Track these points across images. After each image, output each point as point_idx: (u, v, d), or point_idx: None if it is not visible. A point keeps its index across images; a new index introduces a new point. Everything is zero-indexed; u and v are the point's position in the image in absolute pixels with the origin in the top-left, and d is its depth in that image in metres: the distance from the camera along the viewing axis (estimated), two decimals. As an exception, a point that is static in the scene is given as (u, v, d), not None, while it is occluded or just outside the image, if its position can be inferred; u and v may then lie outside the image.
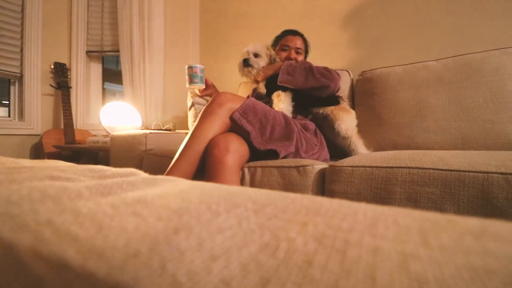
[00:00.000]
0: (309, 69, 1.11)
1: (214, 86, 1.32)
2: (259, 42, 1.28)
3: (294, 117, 1.10)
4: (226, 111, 0.85)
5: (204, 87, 1.21)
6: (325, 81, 1.09)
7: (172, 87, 2.11)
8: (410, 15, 1.47)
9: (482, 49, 1.15)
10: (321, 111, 1.14)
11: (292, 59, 1.28)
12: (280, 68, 1.14)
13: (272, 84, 1.15)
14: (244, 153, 0.85)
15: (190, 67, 1.15)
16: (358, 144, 1.11)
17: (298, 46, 1.31)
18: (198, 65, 1.16)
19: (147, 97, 2.01)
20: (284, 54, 1.30)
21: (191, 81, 1.15)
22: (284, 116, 0.97)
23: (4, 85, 2.02)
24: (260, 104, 0.91)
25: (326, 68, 1.14)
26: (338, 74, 1.15)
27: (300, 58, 1.33)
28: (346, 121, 1.10)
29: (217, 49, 2.04)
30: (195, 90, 1.27)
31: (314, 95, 1.13)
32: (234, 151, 0.80)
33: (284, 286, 0.10)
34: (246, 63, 1.18)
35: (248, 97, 0.95)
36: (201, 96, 1.36)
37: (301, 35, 1.36)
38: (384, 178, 0.70)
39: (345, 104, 1.18)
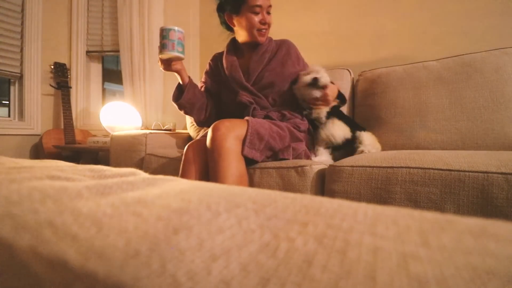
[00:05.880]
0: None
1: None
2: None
3: (283, 117, 1.06)
4: (234, 140, 0.82)
5: (184, 58, 0.96)
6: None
7: (172, 87, 2.10)
8: (410, 15, 1.47)
9: (482, 49, 1.14)
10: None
11: (266, 25, 1.06)
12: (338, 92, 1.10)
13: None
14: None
15: (180, 31, 0.91)
16: None
17: (270, 3, 1.05)
18: (182, 30, 0.92)
19: (147, 97, 2.01)
20: (256, 19, 1.03)
21: (174, 48, 0.89)
22: (289, 131, 0.96)
23: (4, 85, 2.02)
24: (262, 126, 0.88)
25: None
26: None
27: (271, 20, 1.08)
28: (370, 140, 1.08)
29: (218, 49, 2.04)
30: (169, 57, 0.94)
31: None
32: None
33: (284, 286, 0.10)
34: (315, 83, 1.00)
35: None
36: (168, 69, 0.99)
37: None
38: (384, 178, 0.70)
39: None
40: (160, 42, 0.91)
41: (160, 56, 0.94)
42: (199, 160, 0.89)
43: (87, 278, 0.11)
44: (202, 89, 1.19)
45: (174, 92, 1.09)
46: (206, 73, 1.22)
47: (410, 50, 1.47)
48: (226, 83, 1.13)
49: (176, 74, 1.03)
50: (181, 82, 1.07)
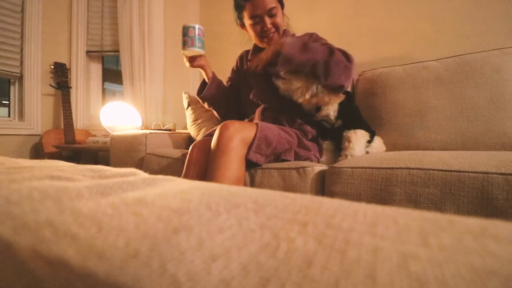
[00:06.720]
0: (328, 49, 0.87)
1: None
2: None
3: (293, 122, 1.03)
4: (240, 141, 0.81)
5: (204, 53, 1.02)
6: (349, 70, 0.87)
7: (172, 87, 2.11)
8: (410, 14, 1.47)
9: (482, 49, 1.14)
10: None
11: (269, 31, 1.01)
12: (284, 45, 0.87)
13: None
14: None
15: (199, 28, 0.97)
16: None
17: (272, 5, 0.98)
18: (202, 27, 0.98)
19: (147, 97, 2.01)
20: (258, 28, 1.02)
21: (193, 44, 0.96)
22: (298, 138, 0.95)
23: (4, 85, 2.02)
24: (271, 131, 0.86)
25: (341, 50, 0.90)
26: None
27: (279, 19, 1.02)
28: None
29: (217, 48, 2.04)
30: (191, 54, 1.03)
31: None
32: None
33: (284, 286, 0.10)
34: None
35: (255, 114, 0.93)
36: (192, 65, 1.06)
37: None
38: (384, 179, 0.70)
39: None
40: (182, 40, 0.99)
41: (182, 52, 1.02)
42: (204, 160, 0.88)
43: (87, 278, 0.11)
44: (228, 84, 1.24)
45: (199, 87, 1.16)
46: (233, 70, 1.28)
47: (410, 50, 1.47)
48: (245, 80, 1.17)
49: (200, 70, 1.10)
50: (205, 78, 1.13)
